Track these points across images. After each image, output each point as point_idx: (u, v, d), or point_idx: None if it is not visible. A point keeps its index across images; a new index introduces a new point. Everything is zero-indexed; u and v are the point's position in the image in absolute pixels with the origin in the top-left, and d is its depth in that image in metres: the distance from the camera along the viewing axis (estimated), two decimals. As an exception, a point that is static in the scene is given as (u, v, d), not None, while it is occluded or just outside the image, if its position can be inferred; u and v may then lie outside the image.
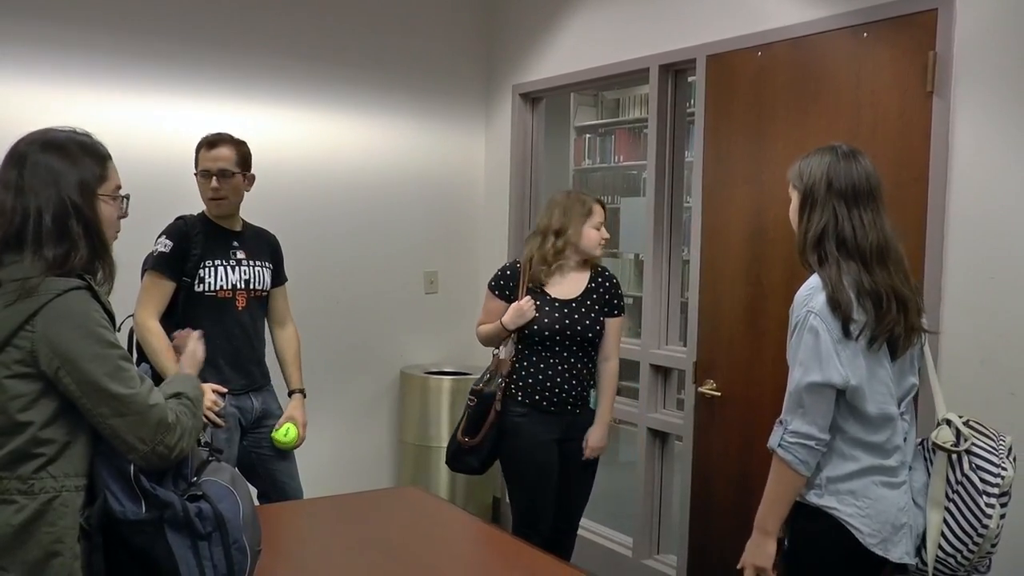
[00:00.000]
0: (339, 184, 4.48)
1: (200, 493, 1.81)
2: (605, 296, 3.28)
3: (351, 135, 4.51)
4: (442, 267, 4.85)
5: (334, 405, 4.46)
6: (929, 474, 2.15)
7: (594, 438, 3.27)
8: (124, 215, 1.92)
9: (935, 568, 2.09)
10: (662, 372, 3.92)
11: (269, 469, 3.21)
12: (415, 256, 4.76)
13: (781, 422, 2.09)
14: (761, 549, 2.13)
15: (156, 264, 3.02)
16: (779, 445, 2.07)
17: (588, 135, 7.21)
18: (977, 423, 2.14)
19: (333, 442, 4.45)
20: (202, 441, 1.96)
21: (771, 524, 2.12)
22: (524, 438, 3.18)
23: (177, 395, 1.87)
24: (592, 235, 3.22)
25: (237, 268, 3.14)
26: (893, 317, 2.07)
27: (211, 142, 3.13)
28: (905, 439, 2.16)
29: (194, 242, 3.05)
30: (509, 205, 4.71)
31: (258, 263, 3.20)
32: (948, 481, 2.09)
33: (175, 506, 1.76)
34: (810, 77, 3.13)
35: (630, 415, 4.02)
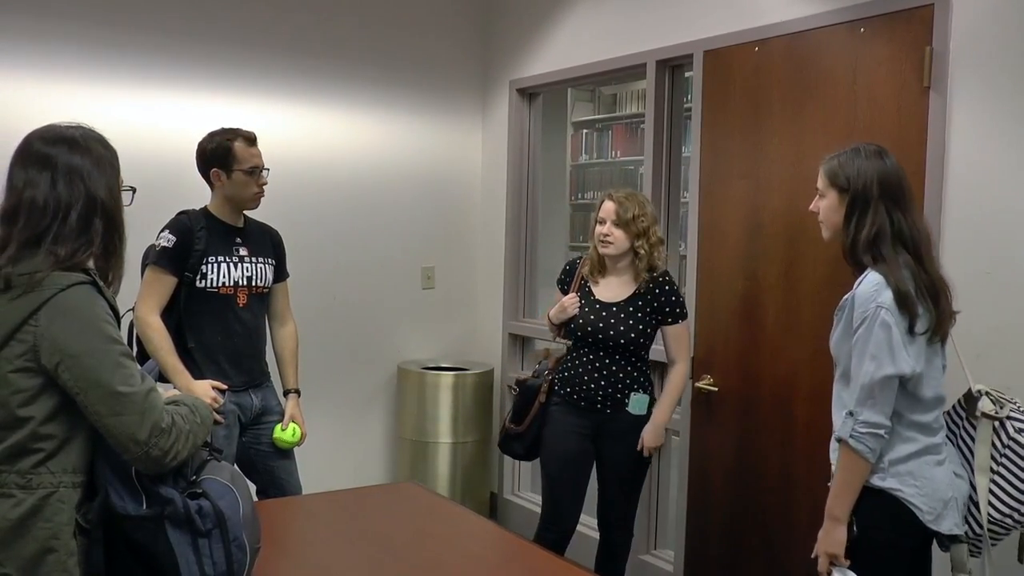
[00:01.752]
0: (335, 180, 4.47)
1: (200, 491, 1.81)
2: (656, 303, 3.18)
3: (348, 131, 4.51)
4: (439, 262, 4.85)
5: (332, 401, 4.46)
6: (955, 446, 2.27)
7: (648, 437, 3.21)
8: (126, 206, 1.92)
9: (990, 531, 2.19)
10: (659, 367, 3.91)
11: (268, 466, 3.21)
12: (412, 252, 4.76)
13: (851, 413, 2.14)
14: (832, 536, 2.20)
15: (158, 259, 3.00)
16: (850, 436, 2.14)
17: (585, 130, 7.19)
18: (998, 391, 2.26)
19: (331, 438, 4.45)
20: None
21: (841, 512, 2.18)
22: (552, 428, 3.25)
23: (175, 403, 1.86)
24: (596, 231, 3.20)
25: (240, 264, 3.13)
26: (948, 310, 2.18)
27: (251, 138, 3.12)
28: None
29: (197, 238, 3.03)
30: (506, 200, 4.71)
31: (261, 259, 3.19)
32: (994, 446, 2.19)
33: (176, 503, 1.76)
34: (807, 72, 3.13)
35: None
